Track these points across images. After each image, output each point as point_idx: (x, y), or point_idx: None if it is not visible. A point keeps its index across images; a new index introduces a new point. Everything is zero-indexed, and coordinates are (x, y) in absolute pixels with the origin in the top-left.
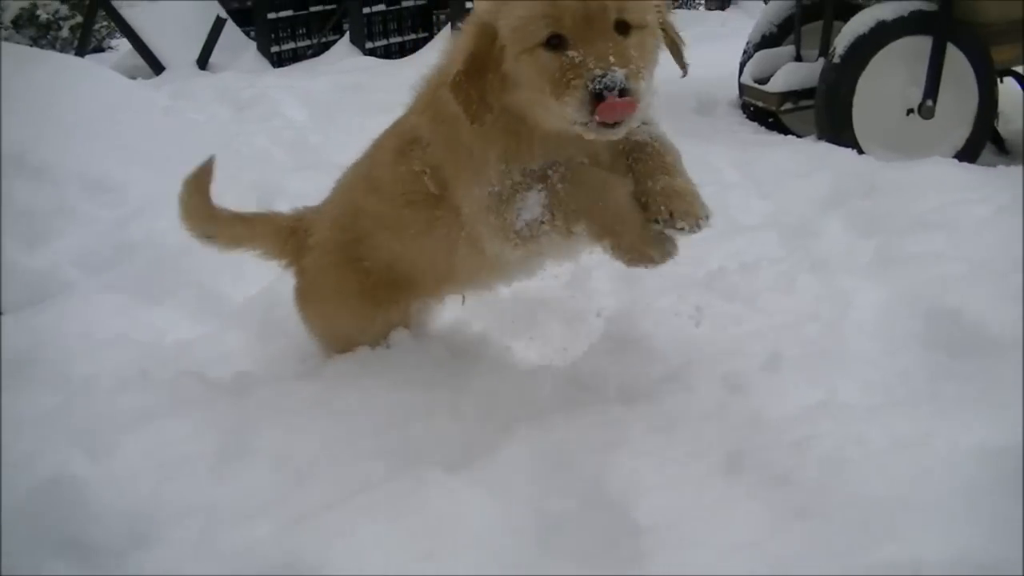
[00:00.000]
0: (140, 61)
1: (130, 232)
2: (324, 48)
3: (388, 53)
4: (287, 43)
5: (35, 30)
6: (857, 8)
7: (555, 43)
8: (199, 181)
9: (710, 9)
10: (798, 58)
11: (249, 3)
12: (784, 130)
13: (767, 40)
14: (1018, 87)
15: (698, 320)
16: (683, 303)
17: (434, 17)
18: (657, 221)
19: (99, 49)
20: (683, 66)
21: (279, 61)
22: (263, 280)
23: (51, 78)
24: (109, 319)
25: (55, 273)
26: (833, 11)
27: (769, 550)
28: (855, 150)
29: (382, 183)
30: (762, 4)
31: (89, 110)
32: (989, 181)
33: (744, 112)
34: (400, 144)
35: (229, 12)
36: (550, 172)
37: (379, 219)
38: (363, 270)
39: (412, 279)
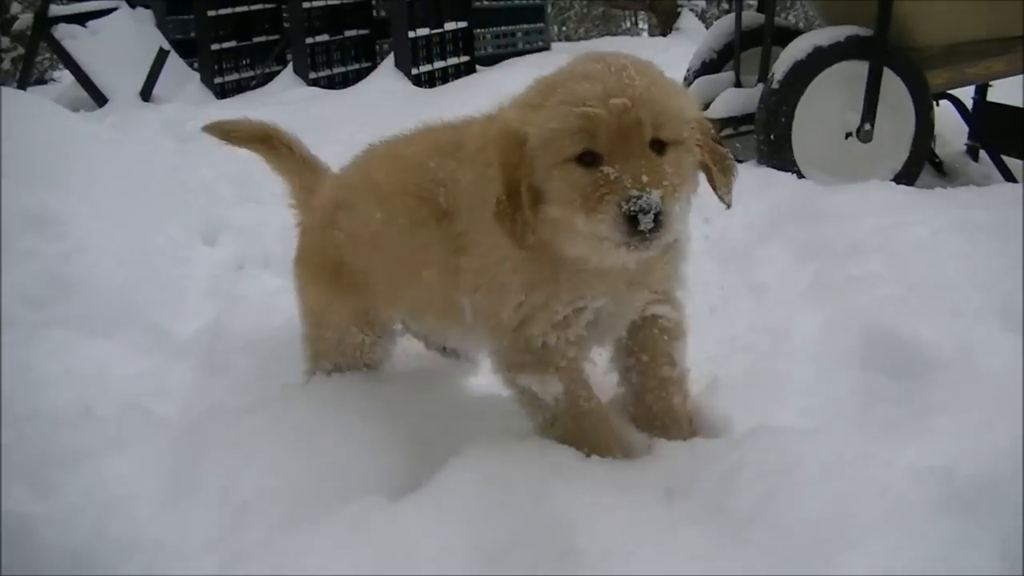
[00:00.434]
0: (83, 93)
1: (72, 267)
2: (268, 79)
3: (331, 83)
4: (231, 74)
5: None
6: (795, 34)
7: (588, 159)
8: None
9: (652, 35)
10: (738, 84)
11: (192, 34)
12: None
13: (707, 66)
14: (954, 110)
15: None
16: None
17: (377, 47)
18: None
19: (41, 81)
20: (726, 200)
21: (223, 92)
22: (206, 314)
23: None
24: (52, 355)
25: None
26: (771, 37)
27: (709, 574)
28: (795, 174)
29: (388, 192)
30: (703, 29)
31: (31, 143)
32: (927, 203)
33: None
34: (424, 172)
35: (172, 43)
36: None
37: (367, 225)
38: (340, 258)
39: (377, 288)
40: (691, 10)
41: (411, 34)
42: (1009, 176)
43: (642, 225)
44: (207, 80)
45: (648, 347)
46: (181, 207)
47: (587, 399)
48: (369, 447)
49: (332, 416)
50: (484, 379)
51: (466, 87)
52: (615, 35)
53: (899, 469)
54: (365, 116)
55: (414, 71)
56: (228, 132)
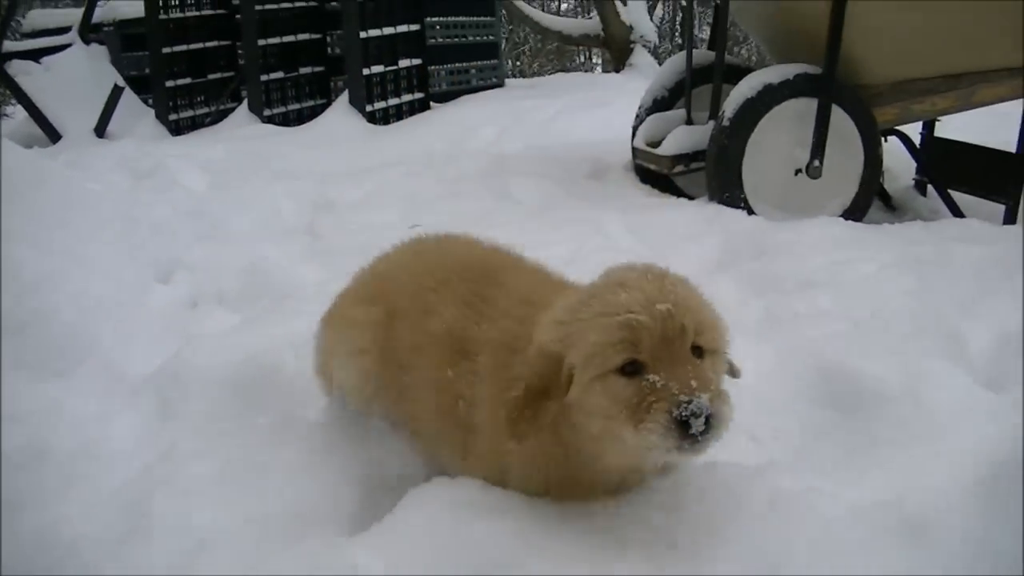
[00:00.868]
0: (36, 129)
1: (25, 307)
2: (223, 115)
3: (286, 120)
4: (185, 111)
5: None
6: (745, 71)
7: (631, 369)
8: None
9: (606, 71)
10: (689, 121)
11: (146, 71)
12: (677, 192)
13: (658, 104)
14: (903, 146)
15: None
16: None
17: (331, 84)
18: None
19: None
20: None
21: (177, 129)
22: (162, 353)
23: None
24: (5, 396)
25: None
26: (722, 75)
27: None
28: (745, 211)
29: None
30: (656, 65)
31: None
32: (875, 239)
33: (637, 175)
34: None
35: (126, 80)
36: None
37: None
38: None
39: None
40: (644, 47)
41: (366, 71)
42: (956, 211)
43: (694, 429)
44: (162, 116)
45: None
46: (136, 245)
47: None
48: (323, 487)
49: (287, 456)
50: None
51: (420, 124)
52: (568, 71)
53: (844, 503)
54: (320, 153)
55: (368, 108)
56: None
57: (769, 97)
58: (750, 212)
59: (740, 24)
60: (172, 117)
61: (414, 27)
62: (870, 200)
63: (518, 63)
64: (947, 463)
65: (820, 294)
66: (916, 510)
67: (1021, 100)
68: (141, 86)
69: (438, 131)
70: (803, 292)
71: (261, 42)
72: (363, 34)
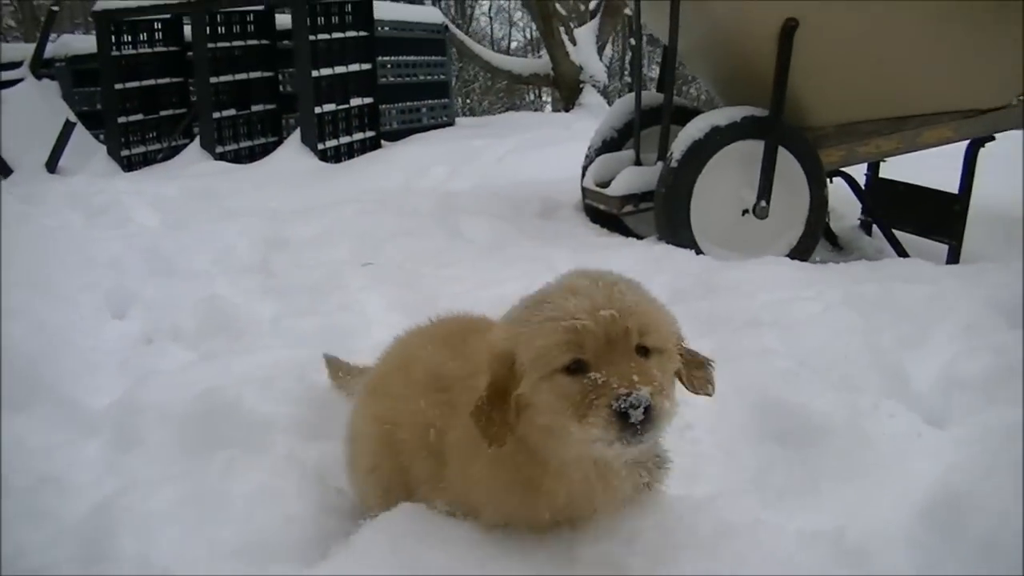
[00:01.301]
0: None
1: None
2: (175, 152)
3: (238, 157)
4: (137, 147)
5: None
6: (694, 113)
7: (575, 368)
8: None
9: (556, 110)
10: (638, 162)
11: (98, 107)
12: (626, 232)
13: (608, 144)
14: (848, 186)
15: None
16: None
17: (283, 121)
18: None
19: None
20: (710, 390)
21: (129, 165)
22: (118, 388)
23: None
24: None
25: None
26: (671, 116)
27: None
28: (693, 250)
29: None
30: (606, 105)
31: None
32: (820, 278)
33: (587, 214)
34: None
35: (78, 115)
36: None
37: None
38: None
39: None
40: (593, 86)
41: (318, 109)
42: (901, 251)
43: (633, 418)
44: (113, 152)
45: None
46: (90, 280)
47: None
48: (284, 516)
49: (247, 487)
50: None
51: (372, 162)
52: (518, 109)
53: (789, 533)
54: (273, 190)
55: (320, 146)
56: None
57: (717, 139)
58: (698, 252)
59: (689, 66)
60: (124, 153)
61: (366, 66)
62: (816, 240)
63: (468, 101)
64: (890, 495)
65: (767, 332)
66: (859, 539)
67: (964, 142)
68: (93, 122)
69: (389, 169)
70: (750, 330)
71: (213, 79)
72: (315, 73)
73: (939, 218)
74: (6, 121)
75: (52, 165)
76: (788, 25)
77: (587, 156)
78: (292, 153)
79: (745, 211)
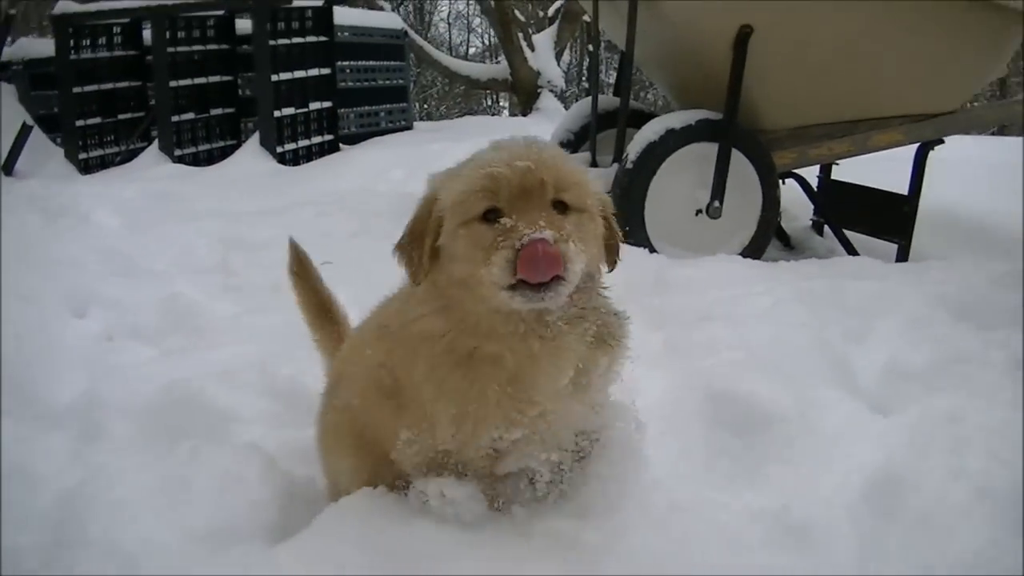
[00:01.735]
0: None
1: None
2: (133, 155)
3: (197, 160)
4: (95, 150)
5: None
6: (649, 117)
7: (492, 217)
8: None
9: (513, 115)
10: (594, 164)
11: (56, 110)
12: None
13: (564, 147)
14: (799, 187)
15: None
16: None
17: (242, 125)
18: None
19: None
20: (612, 263)
21: (87, 168)
22: (81, 384)
23: None
24: None
25: None
26: (626, 120)
27: None
28: (648, 249)
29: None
30: (563, 109)
31: None
32: (771, 275)
33: None
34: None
35: (35, 119)
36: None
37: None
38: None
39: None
40: (551, 91)
41: (277, 113)
42: (851, 250)
43: (537, 265)
44: (71, 155)
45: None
46: (50, 280)
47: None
48: (248, 501)
49: (211, 474)
50: None
51: (330, 165)
52: (475, 114)
53: (735, 510)
54: (232, 193)
55: (279, 149)
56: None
57: (671, 141)
58: (652, 250)
59: (645, 72)
60: (81, 156)
61: (325, 71)
62: (768, 239)
63: (425, 105)
64: (833, 476)
65: (717, 326)
66: (802, 516)
67: (914, 145)
68: (50, 125)
69: (348, 172)
70: (701, 324)
71: (172, 83)
72: (275, 77)
73: (889, 219)
74: None
75: (8, 168)
76: (743, 32)
77: None
78: (251, 156)
79: (699, 211)
